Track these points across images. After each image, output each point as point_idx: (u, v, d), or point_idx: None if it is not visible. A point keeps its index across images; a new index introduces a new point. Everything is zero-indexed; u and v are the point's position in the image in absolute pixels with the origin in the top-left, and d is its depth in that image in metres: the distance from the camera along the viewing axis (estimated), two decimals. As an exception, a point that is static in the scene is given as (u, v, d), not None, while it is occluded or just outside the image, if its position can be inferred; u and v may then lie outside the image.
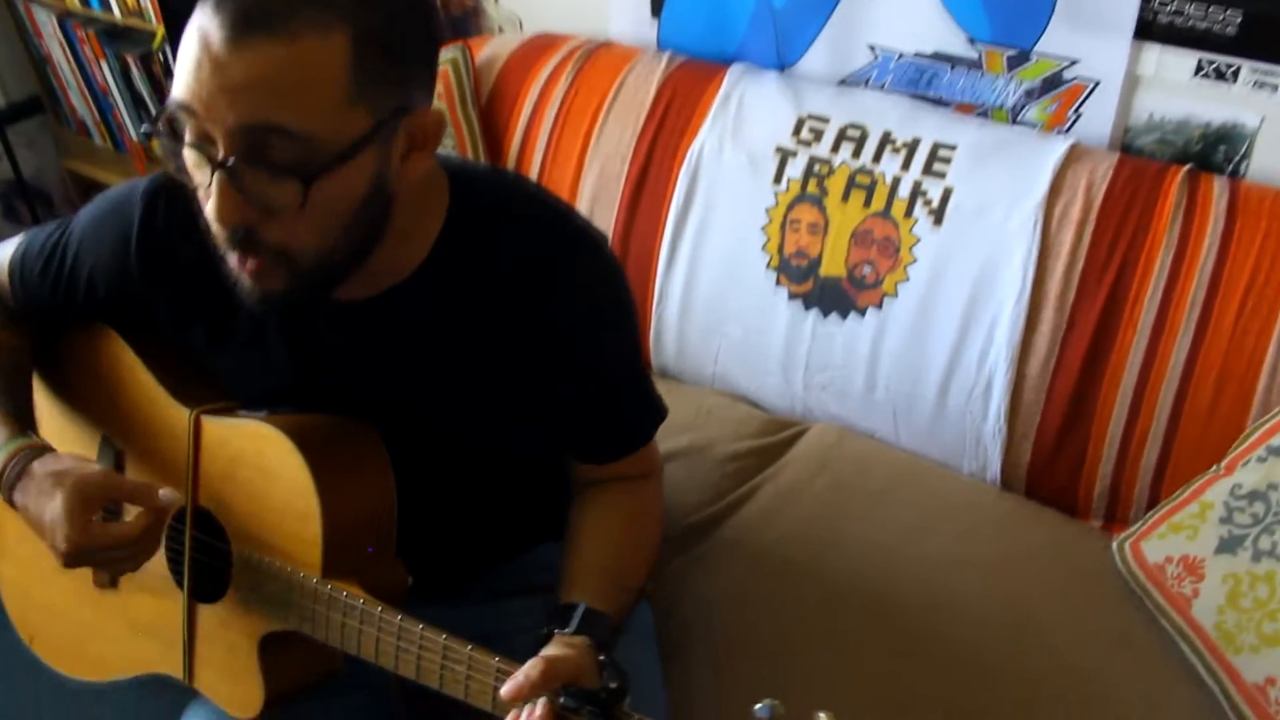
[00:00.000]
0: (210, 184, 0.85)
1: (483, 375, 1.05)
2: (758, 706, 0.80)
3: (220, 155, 0.84)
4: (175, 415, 1.08)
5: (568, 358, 1.06)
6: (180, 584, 1.10)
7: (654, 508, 1.19)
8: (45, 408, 1.19)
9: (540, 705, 0.85)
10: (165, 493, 0.99)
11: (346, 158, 0.86)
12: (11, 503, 1.02)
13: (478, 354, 1.04)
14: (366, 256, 0.95)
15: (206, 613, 1.09)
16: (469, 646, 0.92)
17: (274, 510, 1.02)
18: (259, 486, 1.02)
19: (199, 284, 1.04)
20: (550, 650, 0.92)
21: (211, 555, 1.08)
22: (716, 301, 1.63)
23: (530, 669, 0.87)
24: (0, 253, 1.15)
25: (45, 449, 1.04)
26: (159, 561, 1.12)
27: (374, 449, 1.05)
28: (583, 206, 1.72)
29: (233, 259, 0.91)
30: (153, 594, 1.14)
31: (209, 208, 0.86)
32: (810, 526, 1.44)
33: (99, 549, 0.98)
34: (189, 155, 0.87)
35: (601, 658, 0.91)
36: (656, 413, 1.16)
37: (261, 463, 1.02)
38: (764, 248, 1.58)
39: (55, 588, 1.21)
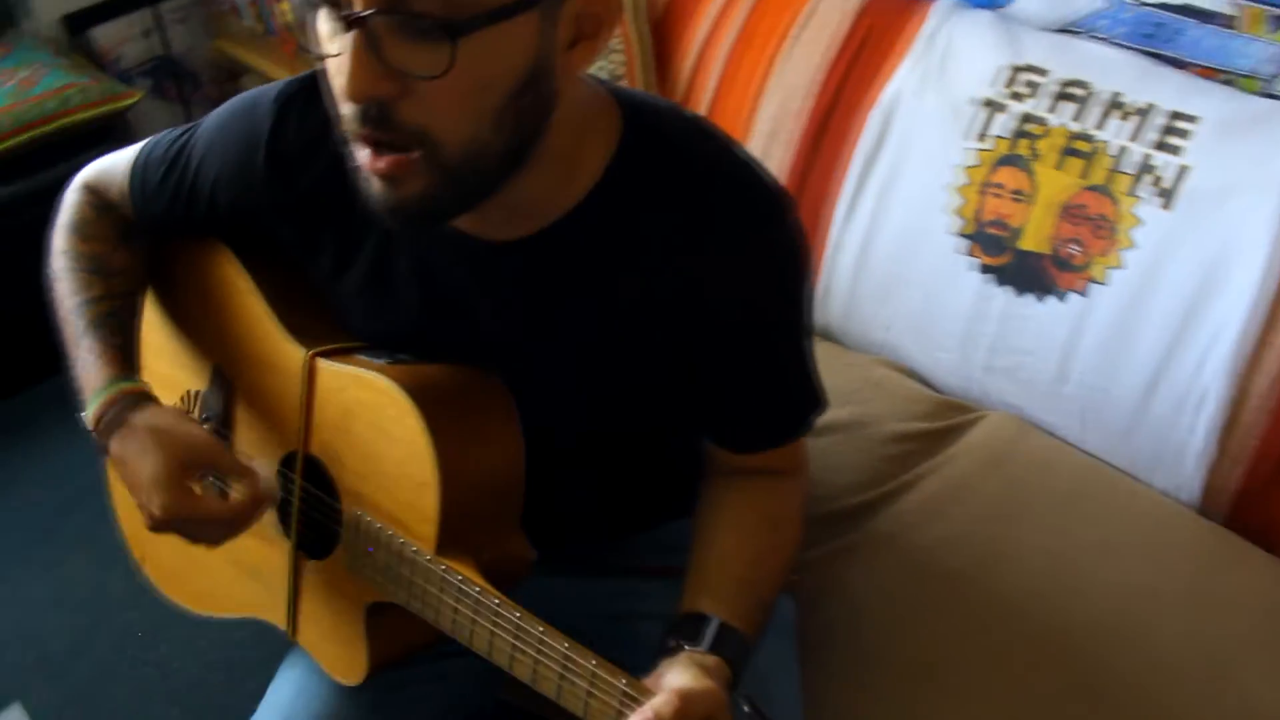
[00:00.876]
0: (343, 52, 0.72)
1: (632, 340, 0.92)
2: None
3: (356, 8, 0.71)
4: (290, 353, 0.99)
5: (735, 332, 0.92)
6: (289, 534, 1.02)
7: (797, 512, 1.05)
8: (158, 330, 1.11)
9: None
10: (268, 482, 0.93)
11: (503, 14, 0.72)
12: (106, 449, 0.94)
13: (630, 316, 0.91)
14: (516, 168, 0.81)
15: (313, 569, 1.01)
16: (593, 660, 0.80)
17: (388, 474, 0.92)
18: (374, 445, 0.92)
19: (329, 206, 0.93)
20: (683, 679, 0.80)
21: (321, 510, 0.99)
22: (896, 263, 1.46)
23: (662, 707, 0.75)
24: (122, 156, 1.06)
25: (147, 396, 0.96)
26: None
27: (504, 411, 0.94)
28: (757, 141, 1.55)
29: (363, 157, 0.78)
30: (261, 539, 1.06)
31: (339, 83, 0.74)
32: (979, 529, 1.28)
33: (191, 520, 0.91)
34: (323, 22, 0.75)
35: (747, 710, 0.78)
36: (817, 405, 1.02)
37: (378, 419, 0.91)
38: (957, 211, 1.40)
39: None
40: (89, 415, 0.95)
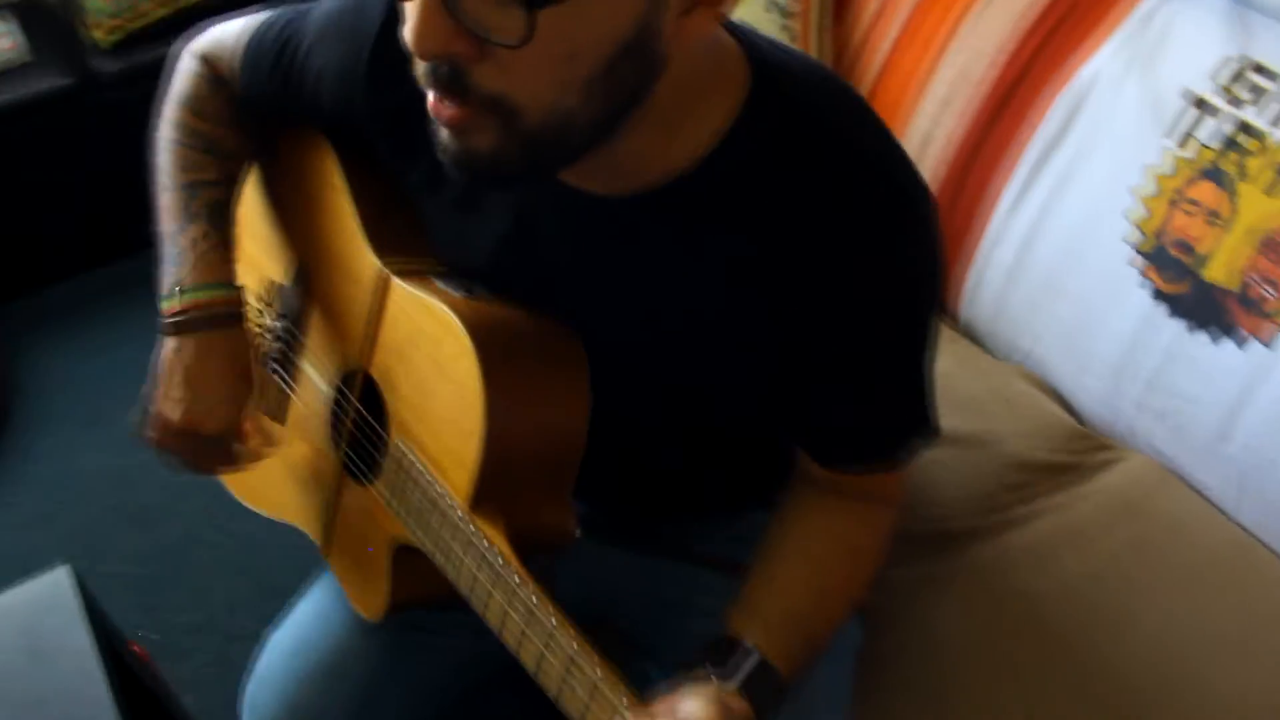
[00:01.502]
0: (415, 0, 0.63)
1: (727, 322, 0.82)
2: None
3: None
4: (368, 264, 0.92)
5: (847, 335, 0.80)
6: (336, 450, 0.97)
7: (881, 545, 0.93)
8: (256, 210, 1.06)
9: None
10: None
11: None
12: (172, 338, 0.91)
13: (729, 295, 0.80)
14: (608, 135, 0.71)
15: (353, 493, 0.95)
16: (599, 670, 0.72)
17: (437, 413, 0.84)
18: (429, 380, 0.85)
19: (426, 118, 0.85)
20: (697, 707, 0.70)
21: (371, 435, 0.93)
22: (1059, 268, 1.30)
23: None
24: (234, 28, 0.99)
25: (239, 315, 0.94)
26: (322, 415, 0.98)
27: (574, 370, 0.85)
28: (929, 107, 1.40)
29: (430, 100, 0.69)
30: (311, 447, 1.01)
31: (406, 33, 0.64)
32: (1093, 589, 1.14)
33: (201, 446, 0.93)
34: None
35: None
36: (927, 431, 0.89)
37: (436, 354, 0.84)
38: (1139, 222, 1.23)
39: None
40: (175, 302, 0.91)
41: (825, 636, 0.87)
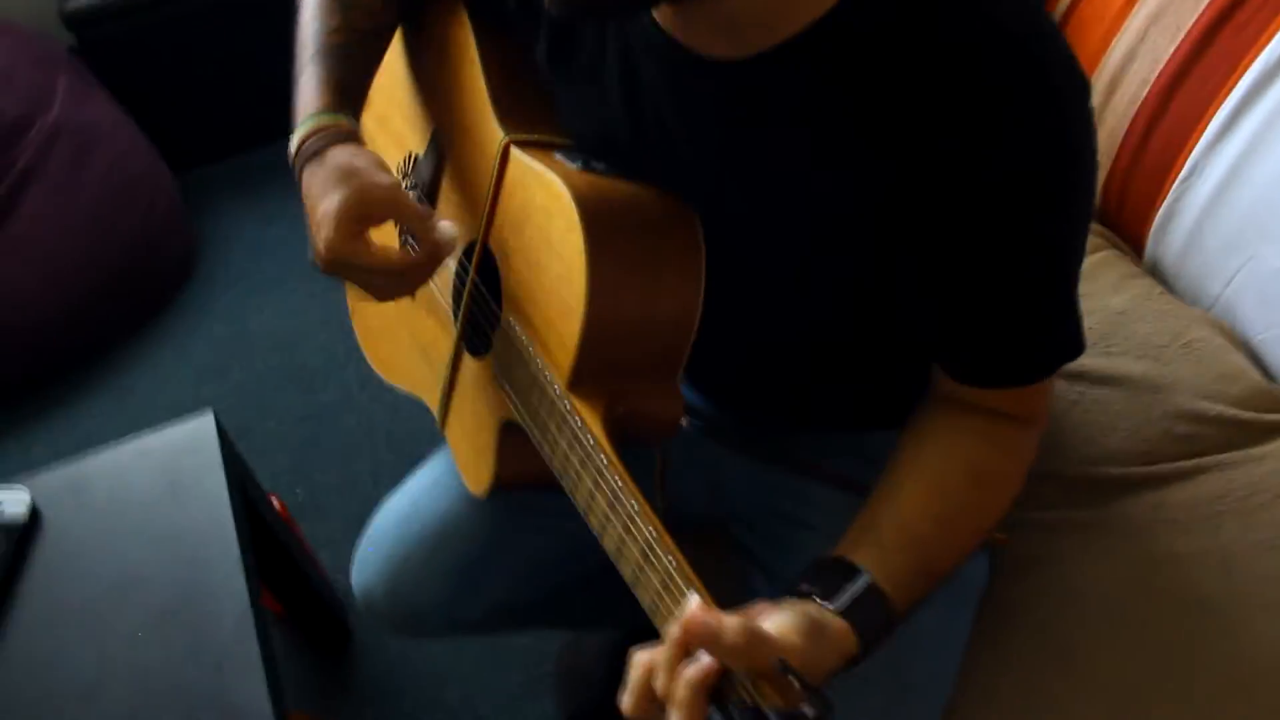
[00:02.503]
0: None
1: (858, 209, 0.75)
2: None
3: None
4: (493, 134, 0.90)
5: (987, 234, 0.73)
6: (457, 322, 0.97)
7: (1017, 471, 0.85)
8: (401, 83, 1.06)
9: (688, 686, 0.61)
10: (445, 229, 0.82)
11: None
12: (300, 179, 0.90)
13: (861, 176, 0.74)
14: None
15: (470, 366, 0.95)
16: (673, 561, 0.69)
17: (545, 288, 0.82)
18: (539, 254, 0.83)
19: None
20: (783, 621, 0.67)
21: (485, 309, 0.92)
22: (1264, 208, 1.17)
23: (734, 633, 0.61)
24: None
25: (351, 134, 0.89)
26: (444, 289, 0.98)
27: (688, 250, 0.81)
28: (1136, 22, 1.27)
29: None
30: (435, 320, 1.01)
31: None
32: (1254, 562, 1.03)
33: (356, 266, 0.83)
34: None
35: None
36: (1071, 344, 0.81)
37: (547, 228, 0.82)
38: (1366, 159, 1.09)
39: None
40: (293, 141, 0.90)
41: (946, 567, 0.81)
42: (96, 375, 1.87)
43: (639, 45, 0.78)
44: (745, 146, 0.77)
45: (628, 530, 0.73)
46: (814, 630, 0.67)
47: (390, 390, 1.74)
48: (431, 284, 1.01)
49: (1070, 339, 0.80)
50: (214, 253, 2.05)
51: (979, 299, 0.77)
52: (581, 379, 0.80)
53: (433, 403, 1.02)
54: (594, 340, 0.79)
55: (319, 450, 1.72)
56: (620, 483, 0.74)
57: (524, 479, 0.93)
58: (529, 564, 1.03)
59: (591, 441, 0.77)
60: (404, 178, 1.06)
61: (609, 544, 0.76)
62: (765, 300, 0.85)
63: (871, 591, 0.73)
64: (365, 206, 0.82)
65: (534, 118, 0.90)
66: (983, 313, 0.78)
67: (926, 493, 0.81)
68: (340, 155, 0.86)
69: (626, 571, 0.74)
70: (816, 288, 0.82)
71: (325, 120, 0.88)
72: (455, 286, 0.97)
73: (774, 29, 0.71)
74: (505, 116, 0.90)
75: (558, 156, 0.86)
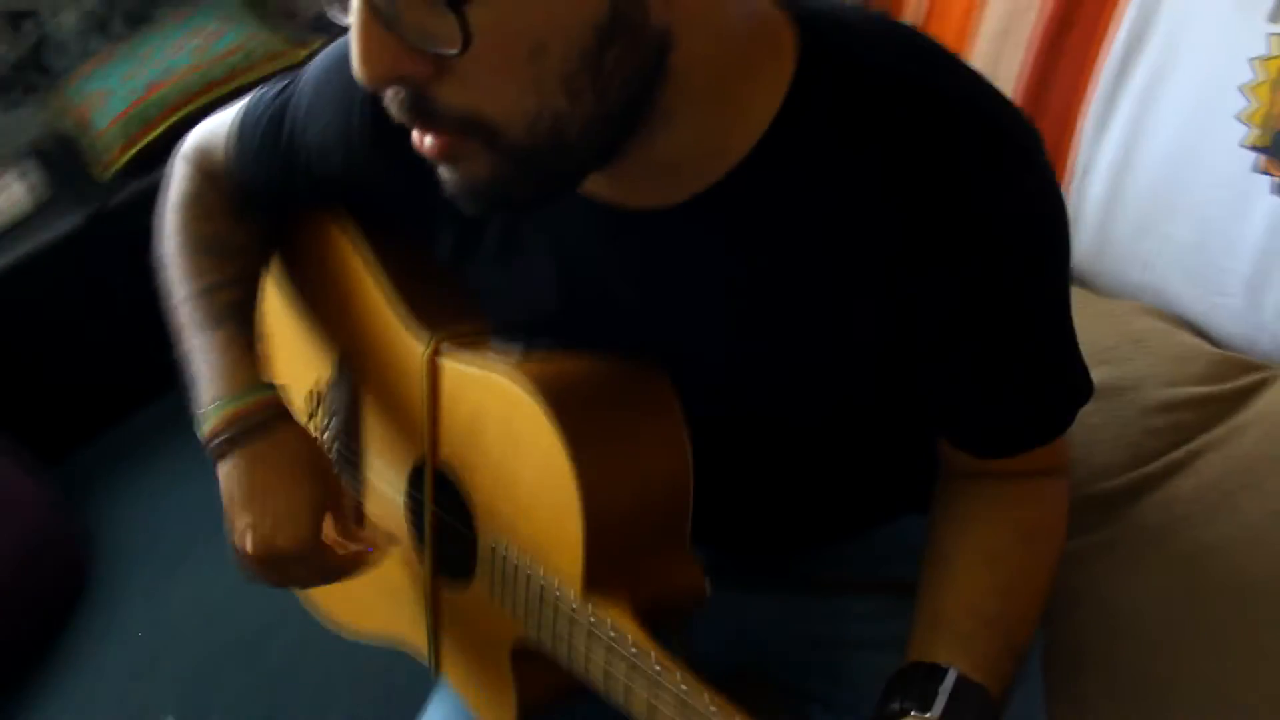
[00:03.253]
0: (353, 23, 0.55)
1: (829, 331, 0.71)
2: None
3: None
4: (411, 348, 0.83)
5: (978, 310, 0.69)
6: (422, 553, 0.87)
7: (1059, 519, 0.81)
8: (278, 314, 0.98)
9: None
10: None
11: None
12: (225, 460, 0.81)
13: (827, 299, 0.70)
14: (626, 136, 0.61)
15: (453, 598, 0.86)
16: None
17: (524, 495, 0.74)
18: (506, 460, 0.75)
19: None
20: None
21: (456, 531, 0.83)
22: (1162, 186, 1.18)
23: None
24: (225, 118, 0.91)
25: (287, 412, 0.83)
26: (399, 519, 0.89)
27: (664, 407, 0.75)
28: (983, 44, 1.28)
29: (415, 138, 0.61)
30: (392, 559, 0.92)
31: (352, 60, 0.56)
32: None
33: (309, 563, 0.80)
34: None
35: None
36: (1083, 390, 0.78)
37: (508, 429, 0.74)
38: (1247, 117, 1.10)
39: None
40: (213, 421, 0.81)
41: (1024, 639, 0.75)
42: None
43: (560, 215, 0.72)
44: (698, 290, 0.72)
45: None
46: None
47: (341, 637, 1.62)
48: (381, 516, 0.92)
49: (1084, 380, 0.78)
50: (108, 543, 1.88)
51: (1002, 377, 0.73)
52: (596, 579, 0.72)
53: (417, 646, 0.92)
54: (599, 534, 0.71)
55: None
56: (685, 687, 0.66)
57: (550, 697, 0.84)
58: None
59: (633, 649, 0.68)
60: (311, 417, 0.97)
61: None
62: (747, 437, 0.79)
63: (963, 684, 0.68)
64: (333, 501, 0.80)
65: (451, 312, 0.83)
66: (1006, 387, 0.74)
67: (982, 567, 0.76)
68: (296, 439, 0.81)
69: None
70: (802, 415, 0.78)
71: (263, 396, 0.82)
72: (410, 518, 0.88)
73: (708, 171, 0.66)
74: (420, 320, 0.83)
75: (494, 349, 0.79)
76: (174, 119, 1.90)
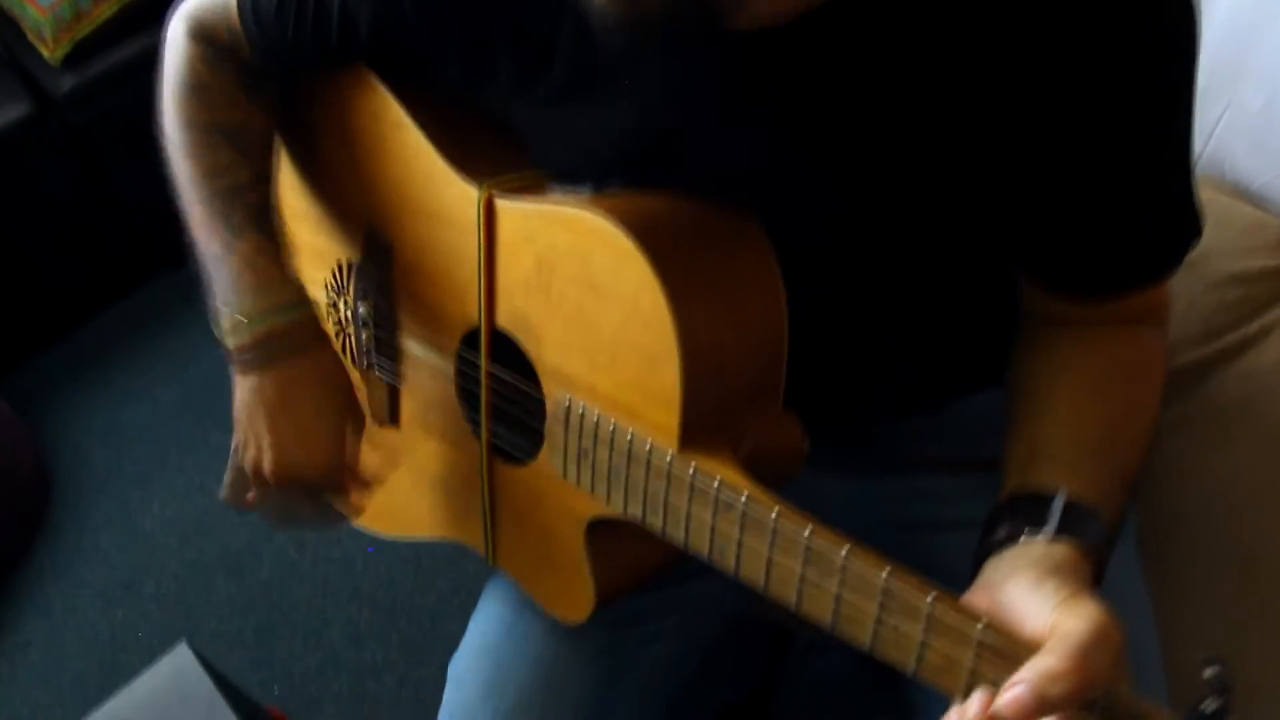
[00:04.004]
0: None
1: (945, 149, 0.64)
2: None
3: None
4: (461, 196, 0.74)
5: (1100, 125, 0.62)
6: (476, 432, 0.79)
7: (1159, 369, 0.75)
8: (295, 189, 0.89)
9: None
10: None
11: None
12: (252, 373, 0.76)
13: (945, 114, 0.63)
14: None
15: (513, 477, 0.78)
16: (930, 596, 0.54)
17: (605, 344, 0.66)
18: (583, 307, 0.67)
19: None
20: (1041, 603, 0.53)
21: (518, 400, 0.75)
22: (1226, 50, 1.11)
23: (1059, 663, 0.49)
24: None
25: (319, 329, 0.80)
26: (446, 398, 0.81)
27: (759, 253, 0.68)
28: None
29: None
30: (442, 440, 0.83)
31: None
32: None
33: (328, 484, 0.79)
34: None
35: (1211, 674, 0.50)
36: (1197, 227, 0.71)
37: (586, 271, 0.66)
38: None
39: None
40: (245, 336, 0.75)
41: (1133, 468, 0.68)
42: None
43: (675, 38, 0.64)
44: (799, 115, 0.65)
45: (845, 584, 0.57)
46: (1056, 578, 0.55)
47: (333, 544, 1.54)
48: (423, 399, 0.83)
49: (1198, 215, 0.70)
50: (70, 461, 1.76)
51: (1123, 198, 0.66)
52: (693, 433, 0.64)
53: (471, 537, 0.84)
54: (697, 382, 0.63)
55: (280, 636, 1.48)
56: (809, 533, 0.58)
57: (628, 580, 0.77)
58: (656, 679, 0.85)
59: (745, 499, 0.61)
60: (341, 294, 0.88)
61: (815, 608, 0.60)
62: (838, 284, 0.72)
63: (1075, 506, 0.61)
64: (358, 424, 0.79)
65: (502, 163, 0.75)
66: (1125, 212, 0.67)
67: (1085, 398, 0.69)
68: (329, 362, 0.79)
69: (860, 632, 0.58)
70: (907, 246, 0.70)
71: (298, 315, 0.78)
72: (461, 394, 0.80)
73: None
74: (468, 169, 0.74)
75: (556, 191, 0.71)
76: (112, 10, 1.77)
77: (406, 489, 0.89)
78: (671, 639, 0.85)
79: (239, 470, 0.79)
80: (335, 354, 0.80)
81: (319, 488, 0.80)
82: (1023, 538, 0.60)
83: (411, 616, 1.46)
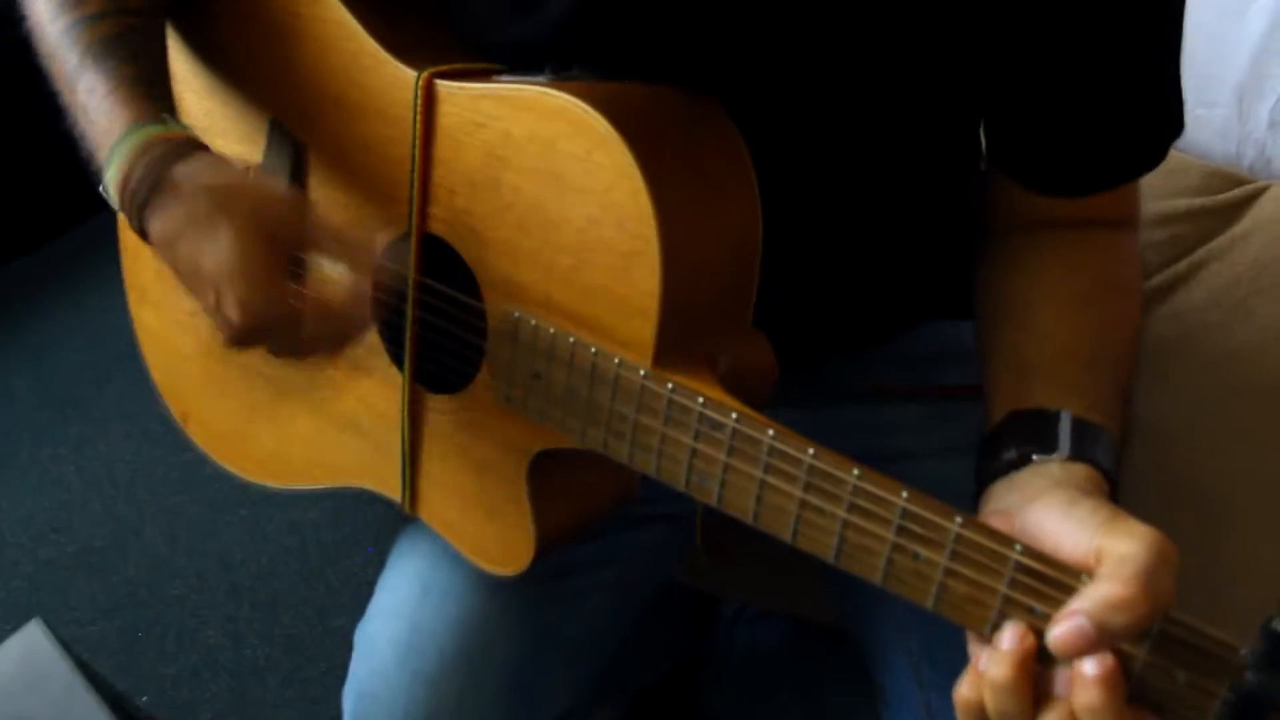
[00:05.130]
0: None
1: (919, 12, 0.59)
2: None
3: None
4: (391, 81, 0.64)
5: (1091, 5, 0.59)
6: (398, 361, 0.69)
7: (1138, 277, 0.71)
8: (188, 85, 0.77)
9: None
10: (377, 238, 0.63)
11: None
12: (145, 233, 0.60)
13: None
14: None
15: (441, 408, 0.69)
16: (957, 519, 0.48)
17: (570, 245, 0.58)
18: (543, 202, 0.58)
19: None
20: (1106, 532, 0.47)
21: (451, 317, 0.66)
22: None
23: (1122, 589, 0.44)
24: None
25: (193, 143, 0.61)
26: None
27: (732, 147, 0.60)
28: None
29: None
30: (355, 370, 0.73)
31: None
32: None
33: (288, 320, 0.58)
34: None
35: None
36: (1179, 122, 0.67)
37: (551, 161, 0.57)
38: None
39: (214, 347, 0.81)
40: (111, 181, 0.61)
41: (1125, 376, 0.64)
42: None
43: None
44: None
45: (855, 512, 0.51)
46: (1087, 500, 0.50)
47: (204, 536, 1.40)
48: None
49: (1178, 112, 0.67)
50: None
51: (1109, 84, 0.62)
52: (667, 349, 0.57)
53: (383, 482, 0.74)
54: (675, 288, 0.56)
55: (149, 638, 1.34)
56: (813, 451, 0.52)
57: (570, 523, 0.69)
58: (580, 646, 0.77)
59: (735, 417, 0.54)
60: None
61: (817, 543, 0.53)
62: (803, 181, 0.66)
63: (1082, 423, 0.57)
64: (274, 235, 0.58)
65: (441, 50, 0.65)
66: (1111, 99, 0.63)
67: (1072, 309, 0.65)
68: (202, 174, 0.59)
69: (870, 568, 0.51)
70: (882, 131, 0.66)
71: (149, 135, 0.60)
72: (381, 314, 0.70)
73: None
74: (404, 58, 0.64)
75: (505, 78, 0.61)
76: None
77: (305, 427, 0.78)
78: (605, 593, 0.78)
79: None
80: (232, 168, 0.62)
81: (267, 332, 0.60)
82: (1034, 459, 0.55)
83: (297, 611, 1.34)
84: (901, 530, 0.49)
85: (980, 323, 0.69)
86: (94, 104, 0.62)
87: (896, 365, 0.81)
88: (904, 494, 0.49)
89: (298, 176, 0.71)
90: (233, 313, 0.56)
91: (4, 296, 1.75)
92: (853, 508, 0.51)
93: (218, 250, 0.56)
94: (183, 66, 0.77)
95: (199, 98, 0.77)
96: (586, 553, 0.76)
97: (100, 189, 0.62)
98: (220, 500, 1.39)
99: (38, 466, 1.52)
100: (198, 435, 0.87)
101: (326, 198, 0.71)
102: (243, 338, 0.57)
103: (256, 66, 0.72)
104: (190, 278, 0.59)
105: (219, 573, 1.37)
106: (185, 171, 0.59)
